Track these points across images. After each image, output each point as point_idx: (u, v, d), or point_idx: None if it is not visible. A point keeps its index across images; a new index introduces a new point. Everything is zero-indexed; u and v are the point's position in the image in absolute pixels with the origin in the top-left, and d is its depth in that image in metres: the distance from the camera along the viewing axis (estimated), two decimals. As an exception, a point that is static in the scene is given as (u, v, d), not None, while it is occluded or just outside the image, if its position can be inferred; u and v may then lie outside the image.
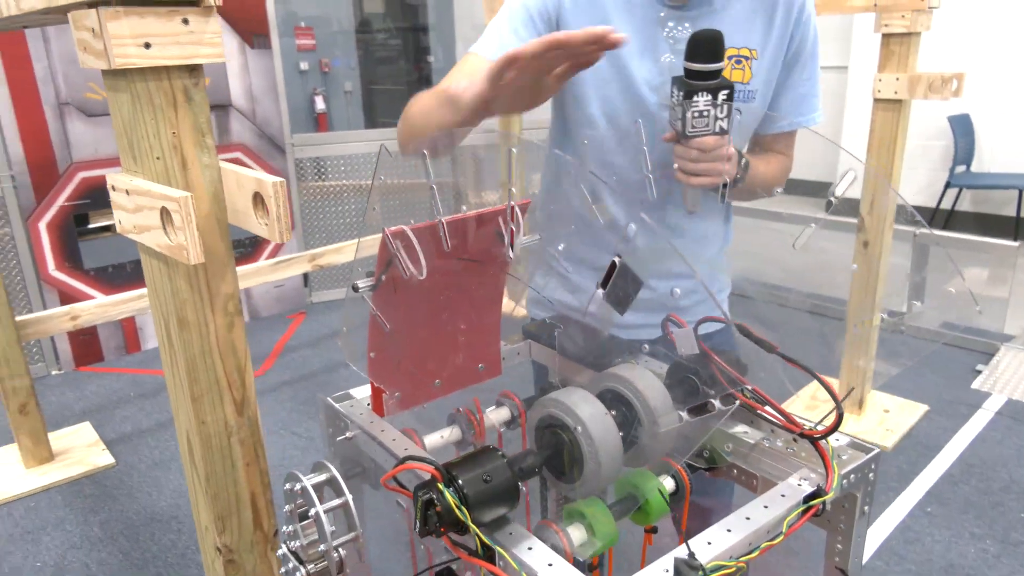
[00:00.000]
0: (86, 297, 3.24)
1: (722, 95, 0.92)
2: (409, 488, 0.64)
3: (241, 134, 3.62)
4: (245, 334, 0.99)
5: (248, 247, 3.79)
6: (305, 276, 4.01)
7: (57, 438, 2.68)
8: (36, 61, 3.00)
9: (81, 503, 2.32)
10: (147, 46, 0.79)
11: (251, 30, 3.57)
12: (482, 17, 3.62)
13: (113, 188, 0.88)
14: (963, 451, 2.50)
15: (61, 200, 3.16)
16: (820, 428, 0.72)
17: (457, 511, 0.60)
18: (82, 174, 3.19)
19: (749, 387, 0.74)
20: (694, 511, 0.78)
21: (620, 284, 0.75)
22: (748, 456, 0.77)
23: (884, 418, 2.73)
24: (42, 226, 3.14)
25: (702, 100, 0.92)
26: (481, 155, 1.18)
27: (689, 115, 0.93)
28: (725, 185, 0.98)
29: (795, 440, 0.74)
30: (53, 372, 3.29)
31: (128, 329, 3.48)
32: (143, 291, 2.75)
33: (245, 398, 0.99)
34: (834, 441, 0.75)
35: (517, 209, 0.75)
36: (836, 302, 2.46)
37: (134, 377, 3.23)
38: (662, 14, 1.03)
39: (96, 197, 3.26)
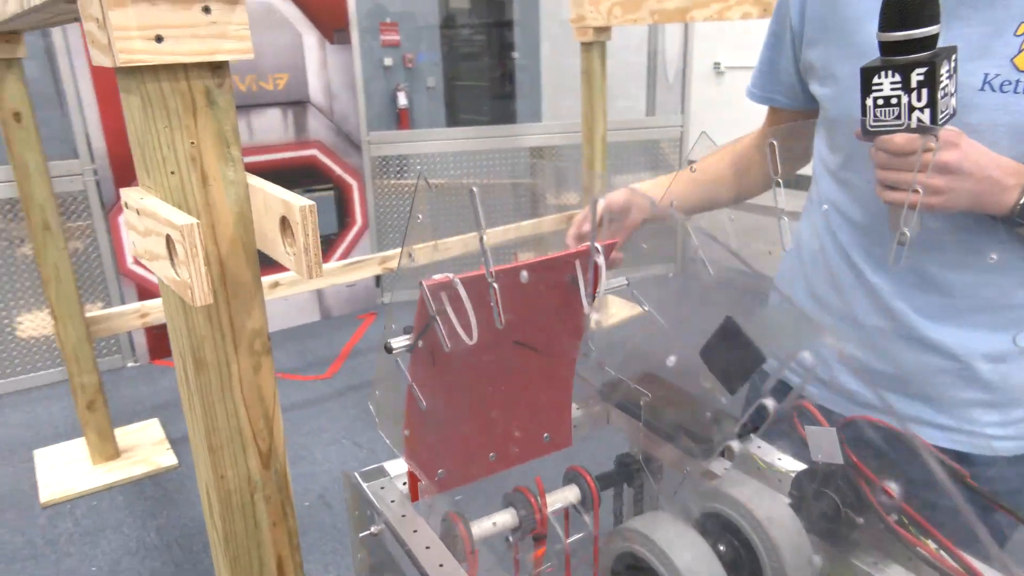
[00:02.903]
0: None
1: (917, 74, 0.67)
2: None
3: (318, 131, 3.57)
4: (274, 376, 0.85)
5: (321, 245, 3.74)
6: (377, 277, 3.95)
7: (125, 434, 2.68)
8: (121, 56, 3.01)
9: (141, 505, 2.29)
10: (159, 39, 0.66)
11: (332, 25, 3.51)
12: (567, 13, 3.44)
13: (126, 206, 0.76)
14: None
15: (141, 194, 3.18)
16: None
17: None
18: (162, 169, 3.20)
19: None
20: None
21: (725, 352, 0.57)
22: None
23: None
24: (122, 220, 3.17)
25: (887, 82, 0.68)
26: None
27: (870, 102, 0.70)
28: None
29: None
30: (129, 364, 3.33)
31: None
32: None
33: (273, 449, 0.86)
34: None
35: (601, 251, 0.58)
36: None
37: None
38: None
39: (175, 192, 3.27)
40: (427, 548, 0.57)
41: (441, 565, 0.54)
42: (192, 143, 0.72)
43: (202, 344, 0.78)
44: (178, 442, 2.64)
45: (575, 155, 4.22)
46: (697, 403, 0.67)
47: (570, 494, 0.74)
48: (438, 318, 0.54)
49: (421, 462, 0.64)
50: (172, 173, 0.71)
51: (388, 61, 8.28)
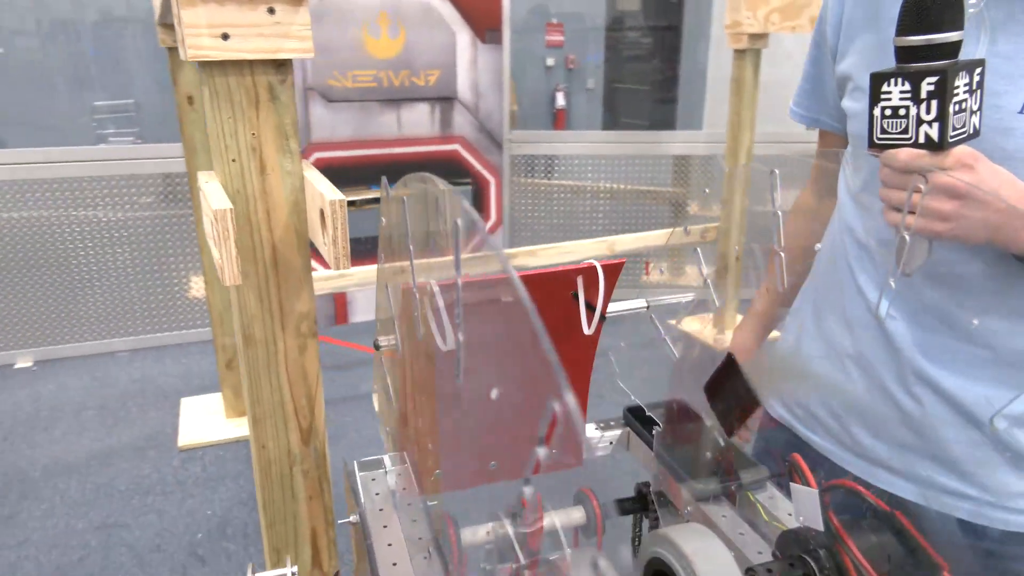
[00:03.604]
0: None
1: (927, 84, 0.59)
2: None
3: (462, 127, 3.68)
4: (318, 358, 0.90)
5: (456, 237, 3.87)
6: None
7: (257, 394, 2.92)
8: (291, 48, 3.27)
9: (259, 461, 2.49)
10: (225, 37, 0.71)
11: (485, 25, 3.61)
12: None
13: (200, 188, 0.83)
14: None
15: (296, 176, 3.44)
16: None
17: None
18: (317, 154, 3.44)
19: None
20: None
21: (729, 392, 0.53)
22: None
23: None
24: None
25: (896, 91, 0.61)
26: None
27: (877, 112, 0.63)
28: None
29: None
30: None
31: (339, 301, 3.71)
32: (353, 270, 2.89)
33: (313, 427, 0.91)
34: None
35: (600, 270, 0.56)
36: None
37: (334, 348, 3.45)
38: None
39: (328, 175, 3.49)
40: (388, 545, 0.58)
41: (394, 564, 0.55)
42: (253, 134, 0.77)
43: (252, 322, 0.83)
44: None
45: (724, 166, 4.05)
46: (711, 441, 0.62)
47: (576, 515, 0.72)
48: (419, 319, 0.55)
49: (417, 461, 0.65)
50: (233, 161, 0.77)
51: (550, 61, 8.38)
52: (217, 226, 0.66)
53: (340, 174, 3.53)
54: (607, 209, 4.12)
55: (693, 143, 4.18)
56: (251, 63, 0.75)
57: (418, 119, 3.56)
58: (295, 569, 0.54)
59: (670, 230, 3.55)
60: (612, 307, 0.61)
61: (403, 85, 3.48)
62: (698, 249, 0.64)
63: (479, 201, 3.81)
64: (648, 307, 0.63)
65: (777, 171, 0.62)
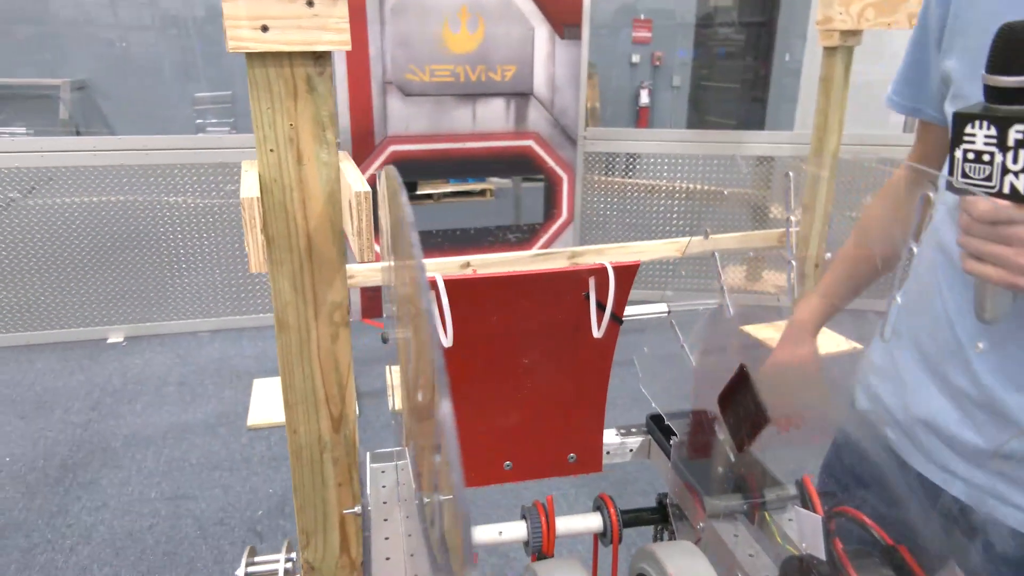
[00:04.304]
0: (379, 259, 3.59)
1: (1017, 131, 0.54)
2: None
3: (537, 122, 3.67)
4: (351, 348, 0.91)
5: (526, 233, 3.87)
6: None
7: (325, 379, 3.00)
8: (371, 43, 3.35)
9: (322, 444, 2.57)
10: (264, 29, 0.73)
11: (563, 20, 3.58)
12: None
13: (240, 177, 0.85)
14: None
15: (372, 169, 3.52)
16: None
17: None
18: (393, 147, 3.51)
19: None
20: None
21: (740, 405, 0.50)
22: None
23: None
24: (355, 189, 3.53)
25: (981, 134, 0.56)
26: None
27: (959, 154, 0.58)
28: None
29: None
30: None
31: (410, 292, 3.78)
32: (428, 261, 2.94)
33: (344, 415, 0.92)
34: None
35: (611, 271, 0.54)
36: None
37: (376, 343, 3.51)
38: None
39: (402, 168, 3.55)
40: (385, 539, 0.58)
41: (387, 559, 0.54)
42: (291, 125, 0.78)
43: (285, 308, 0.85)
44: (364, 395, 2.91)
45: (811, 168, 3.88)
46: (728, 455, 0.59)
47: (593, 522, 0.70)
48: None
49: (416, 456, 0.64)
50: (271, 151, 0.78)
51: (635, 58, 8.26)
52: (245, 213, 0.68)
53: (416, 168, 3.59)
54: (682, 210, 4.03)
55: (777, 144, 4.03)
56: (290, 55, 0.76)
57: (493, 114, 3.57)
58: (293, 556, 0.54)
59: (740, 234, 3.43)
60: (632, 311, 0.59)
61: (479, 80, 3.50)
62: (716, 254, 0.61)
63: (551, 197, 3.79)
64: (669, 312, 0.60)
65: (792, 174, 0.58)
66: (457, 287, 0.54)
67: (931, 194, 0.64)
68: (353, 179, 0.74)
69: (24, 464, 2.43)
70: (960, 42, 0.73)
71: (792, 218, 0.59)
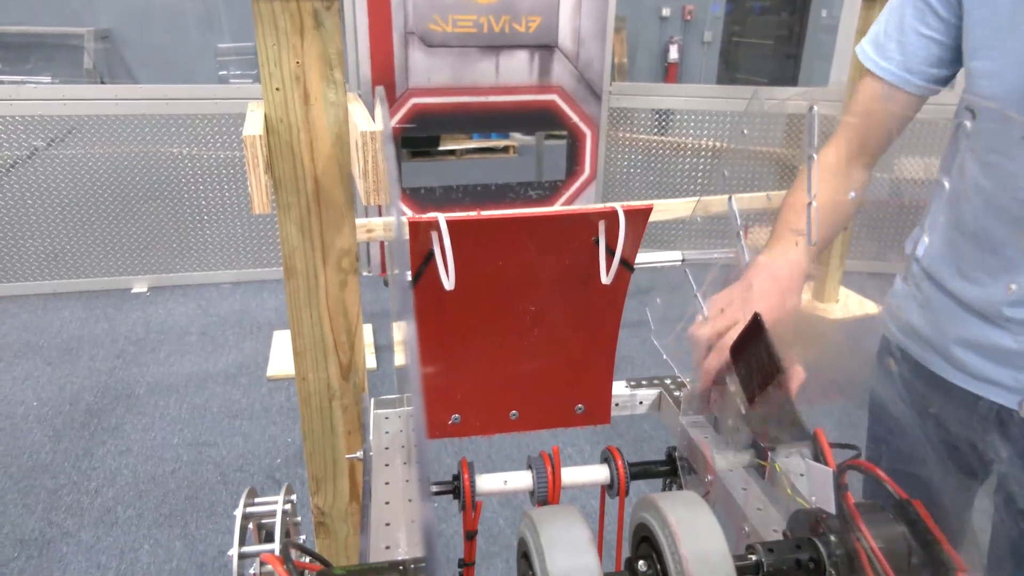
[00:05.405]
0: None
1: None
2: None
3: (561, 76, 3.60)
4: (359, 295, 0.90)
5: (547, 190, 3.82)
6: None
7: (345, 332, 3.02)
8: (393, -9, 3.28)
9: (340, 396, 2.60)
10: (269, -41, 0.70)
11: (591, -30, 3.47)
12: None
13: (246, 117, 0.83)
14: None
15: (394, 122, 3.48)
16: None
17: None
18: (414, 100, 3.46)
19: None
20: None
21: (752, 356, 0.48)
22: None
23: None
24: (376, 143, 3.50)
25: None
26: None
27: None
28: None
29: None
30: (364, 273, 3.73)
31: (430, 248, 3.76)
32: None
33: (353, 363, 0.91)
34: None
35: (621, 214, 0.51)
36: None
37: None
38: None
39: (423, 122, 3.52)
40: (386, 484, 0.57)
41: (387, 503, 0.54)
42: (297, 63, 0.76)
43: (293, 253, 0.84)
44: (382, 348, 2.93)
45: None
46: (737, 408, 0.57)
47: (599, 474, 0.69)
48: (435, 256, 0.52)
49: (434, 402, 0.63)
50: (277, 90, 0.76)
51: (665, 12, 8.02)
52: (247, 152, 0.66)
53: (437, 121, 3.54)
54: (708, 168, 3.94)
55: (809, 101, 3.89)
56: (296, -12, 0.73)
57: (516, 67, 3.50)
58: (293, 498, 0.54)
59: (764, 193, 3.35)
60: (645, 258, 0.57)
61: (503, 31, 3.42)
62: (731, 198, 0.58)
63: (573, 154, 3.73)
64: (683, 260, 0.58)
65: (816, 108, 0.55)
66: (460, 228, 0.52)
67: (967, 122, 0.63)
68: (360, 119, 0.71)
69: (51, 408, 2.48)
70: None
71: (813, 155, 0.56)
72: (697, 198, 3.17)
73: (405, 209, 3.31)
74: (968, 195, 0.77)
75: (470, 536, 0.66)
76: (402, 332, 0.34)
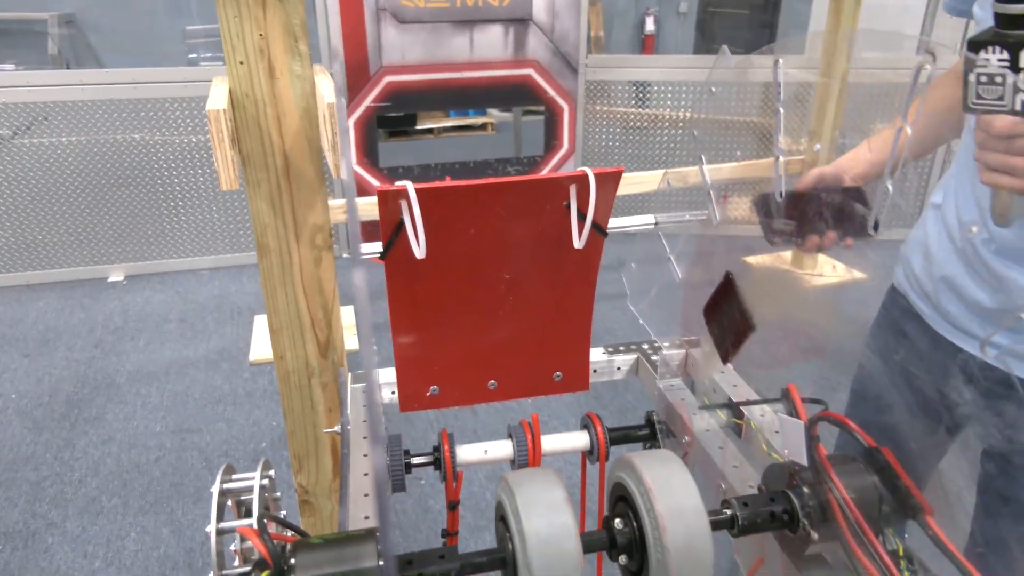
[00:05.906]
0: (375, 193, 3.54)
1: None
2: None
3: (536, 50, 3.56)
4: (335, 272, 0.89)
5: (526, 166, 3.80)
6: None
7: (326, 315, 3.00)
8: (363, -33, 3.22)
9: (324, 378, 2.59)
10: (226, -73, 0.68)
11: (563, -59, 3.43)
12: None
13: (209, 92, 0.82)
14: None
15: (368, 101, 3.44)
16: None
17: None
18: (388, 78, 3.42)
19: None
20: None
21: (725, 314, 0.48)
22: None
23: None
24: (350, 123, 3.45)
25: (994, 58, 0.60)
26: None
27: (972, 78, 0.62)
28: None
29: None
30: (344, 255, 3.70)
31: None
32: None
33: (331, 341, 0.91)
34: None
35: (592, 177, 0.51)
36: None
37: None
38: None
39: (398, 100, 3.48)
40: (364, 455, 0.57)
41: (365, 474, 0.54)
42: (260, 35, 0.74)
43: (265, 231, 0.82)
44: (375, 328, 2.91)
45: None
46: (712, 369, 0.57)
47: (579, 440, 0.69)
48: (405, 226, 0.52)
49: (412, 374, 0.63)
50: (241, 63, 0.74)
51: (642, -17, 7.95)
52: (212, 127, 0.65)
53: (413, 99, 3.50)
54: (686, 139, 3.94)
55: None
56: (256, -43, 0.71)
57: (490, 41, 3.46)
58: (271, 473, 0.53)
59: (741, 163, 3.36)
60: (618, 222, 0.56)
61: (476, 5, 3.38)
62: (702, 156, 0.57)
63: (551, 128, 3.71)
64: (656, 224, 0.58)
65: (781, 61, 0.55)
66: (430, 196, 0.51)
67: (928, 66, 0.66)
68: (326, 91, 0.70)
69: (30, 400, 2.45)
70: None
71: (780, 109, 0.56)
72: (680, 169, 3.17)
73: (371, 179, 3.25)
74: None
75: (452, 506, 0.66)
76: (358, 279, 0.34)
